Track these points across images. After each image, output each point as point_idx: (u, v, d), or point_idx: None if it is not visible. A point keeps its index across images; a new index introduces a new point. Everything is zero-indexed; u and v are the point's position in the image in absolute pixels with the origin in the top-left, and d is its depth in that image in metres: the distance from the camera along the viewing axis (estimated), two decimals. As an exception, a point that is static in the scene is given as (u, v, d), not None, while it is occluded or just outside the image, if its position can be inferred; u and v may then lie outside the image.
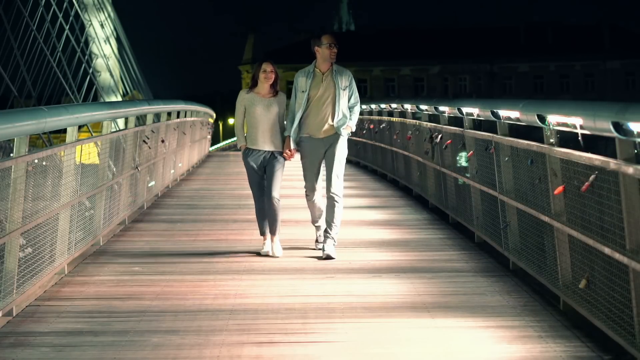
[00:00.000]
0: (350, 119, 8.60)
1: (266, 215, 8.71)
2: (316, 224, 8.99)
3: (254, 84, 8.70)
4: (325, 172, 8.67)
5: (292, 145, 8.64)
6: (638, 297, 5.16)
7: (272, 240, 8.68)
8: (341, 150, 8.62)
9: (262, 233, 8.80)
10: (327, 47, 8.51)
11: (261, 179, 8.72)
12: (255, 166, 8.69)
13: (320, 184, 8.73)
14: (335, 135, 8.59)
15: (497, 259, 8.37)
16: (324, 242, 8.58)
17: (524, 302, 6.70)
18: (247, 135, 8.72)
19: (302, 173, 8.78)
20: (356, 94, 8.68)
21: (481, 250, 8.90)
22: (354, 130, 8.73)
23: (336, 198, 8.59)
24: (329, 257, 8.39)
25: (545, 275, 6.88)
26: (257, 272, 7.94)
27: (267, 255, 8.58)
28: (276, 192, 8.65)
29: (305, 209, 9.09)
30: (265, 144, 8.65)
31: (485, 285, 7.34)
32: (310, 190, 8.76)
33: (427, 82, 73.36)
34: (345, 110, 8.56)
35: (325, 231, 8.63)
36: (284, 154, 8.69)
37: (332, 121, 8.54)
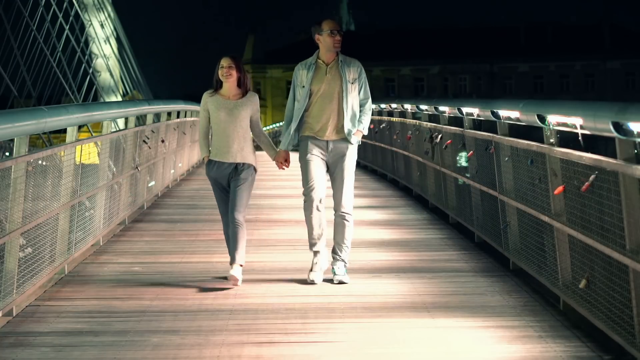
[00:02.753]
0: (360, 121, 7.29)
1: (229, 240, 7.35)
2: (314, 248, 7.48)
3: (218, 84, 7.38)
4: (331, 185, 7.45)
5: (286, 147, 7.42)
6: (638, 297, 5.16)
7: (231, 267, 7.26)
8: (351, 161, 7.35)
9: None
10: (329, 35, 7.23)
11: (226, 195, 7.43)
12: (219, 182, 7.43)
13: (324, 190, 7.41)
14: (342, 141, 7.29)
15: (497, 259, 8.36)
16: (333, 264, 7.45)
17: (524, 302, 6.70)
18: (211, 144, 7.43)
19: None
20: (367, 88, 7.36)
21: (481, 250, 8.90)
22: (365, 134, 7.40)
23: (346, 217, 7.40)
24: (341, 282, 7.34)
25: (545, 275, 6.88)
26: (257, 272, 7.94)
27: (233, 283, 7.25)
28: (240, 215, 7.28)
29: None
30: (231, 155, 7.31)
31: (485, 285, 7.33)
32: (310, 198, 7.35)
33: (427, 82, 73.39)
34: (356, 107, 7.27)
35: (334, 252, 7.46)
36: (278, 163, 7.49)
37: (340, 121, 7.26)
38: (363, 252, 8.81)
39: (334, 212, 7.43)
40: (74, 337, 5.80)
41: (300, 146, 7.44)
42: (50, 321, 6.23)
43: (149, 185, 13.13)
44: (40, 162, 7.41)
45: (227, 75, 7.28)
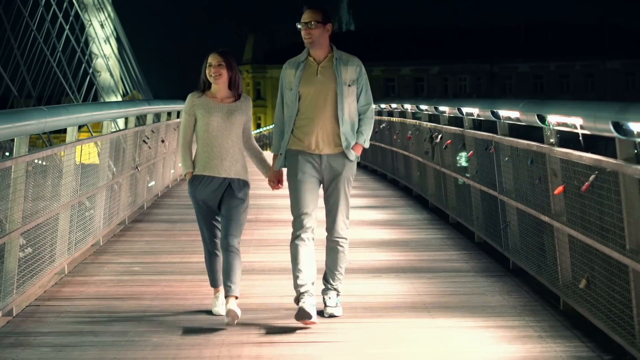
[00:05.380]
0: (360, 132, 6.11)
1: (218, 269, 6.31)
2: (301, 289, 6.03)
3: (206, 86, 6.18)
4: (324, 203, 6.22)
5: (279, 168, 6.23)
6: (638, 297, 5.16)
7: (226, 301, 6.07)
8: (348, 179, 6.15)
9: (215, 284, 6.40)
10: (301, 27, 6.08)
11: (214, 218, 6.22)
12: (207, 200, 6.13)
13: (315, 219, 6.19)
14: (339, 155, 6.09)
15: (497, 259, 8.37)
16: (325, 293, 6.29)
17: (524, 302, 6.70)
18: (197, 156, 6.17)
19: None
20: (368, 92, 6.16)
21: (481, 250, 8.90)
22: (366, 147, 6.20)
23: (341, 242, 6.23)
24: (332, 316, 6.21)
25: (545, 275, 6.88)
26: (257, 272, 7.94)
27: (219, 315, 6.28)
28: (236, 240, 6.12)
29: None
30: (224, 169, 6.10)
31: (485, 285, 7.33)
32: (299, 227, 6.08)
33: (427, 82, 73.44)
34: (354, 114, 6.09)
35: (325, 280, 6.31)
36: (270, 183, 6.27)
37: (334, 131, 6.06)
38: (363, 252, 8.81)
39: (326, 235, 6.29)
40: (74, 337, 5.80)
41: (287, 163, 6.17)
42: (50, 321, 6.23)
43: (149, 185, 13.14)
44: (40, 162, 7.42)
45: (217, 75, 6.08)
